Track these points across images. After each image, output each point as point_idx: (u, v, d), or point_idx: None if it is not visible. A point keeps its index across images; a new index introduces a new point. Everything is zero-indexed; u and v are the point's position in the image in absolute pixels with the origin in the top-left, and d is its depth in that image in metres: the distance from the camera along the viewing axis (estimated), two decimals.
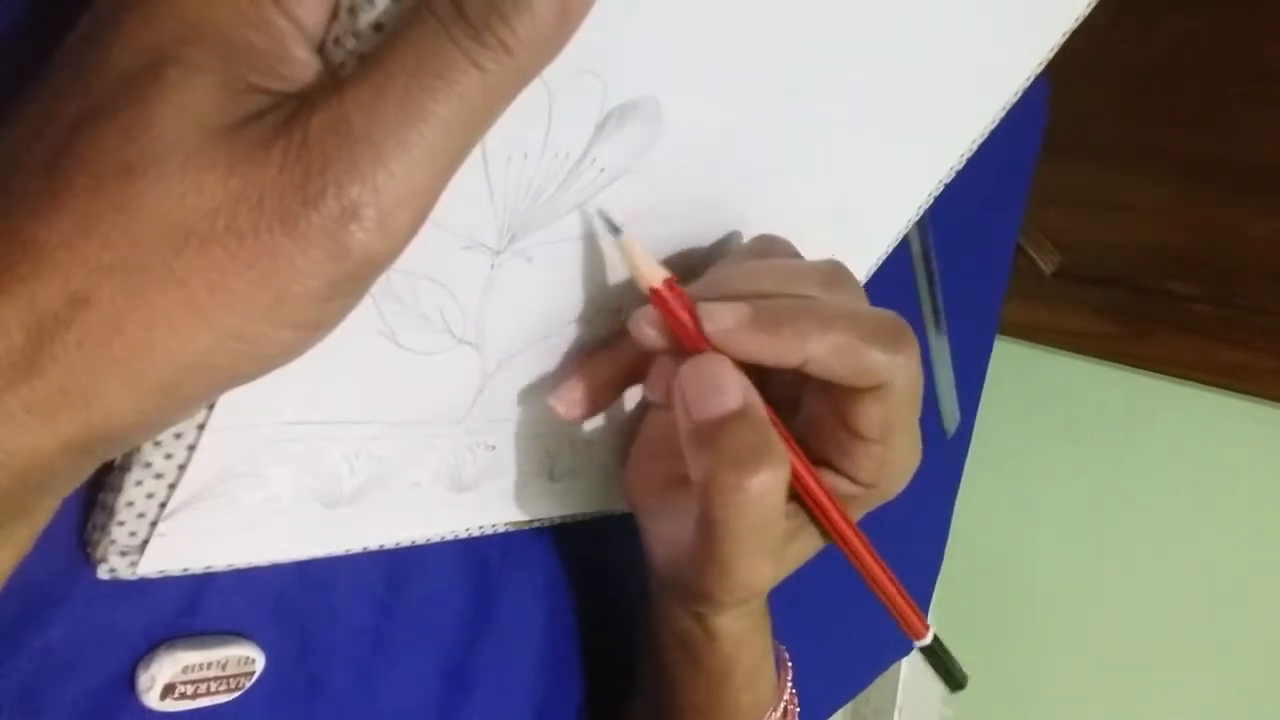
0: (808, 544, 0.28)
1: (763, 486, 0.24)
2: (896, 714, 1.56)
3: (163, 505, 0.22)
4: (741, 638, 0.31)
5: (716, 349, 0.25)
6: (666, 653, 0.33)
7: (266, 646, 0.27)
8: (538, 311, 0.26)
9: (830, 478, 0.28)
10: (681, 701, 0.33)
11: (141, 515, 0.22)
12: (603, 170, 0.23)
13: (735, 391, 0.25)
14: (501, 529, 0.33)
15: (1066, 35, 0.34)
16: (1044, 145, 0.69)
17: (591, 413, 0.28)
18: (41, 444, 0.16)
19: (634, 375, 0.28)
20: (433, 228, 0.18)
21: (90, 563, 0.23)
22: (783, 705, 0.35)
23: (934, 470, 0.69)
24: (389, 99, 0.16)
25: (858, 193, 0.34)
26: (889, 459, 0.28)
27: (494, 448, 0.29)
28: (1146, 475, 1.35)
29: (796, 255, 0.30)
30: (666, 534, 0.29)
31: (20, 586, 0.22)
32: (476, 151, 0.18)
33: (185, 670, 0.25)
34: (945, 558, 0.74)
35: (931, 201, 0.39)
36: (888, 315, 0.27)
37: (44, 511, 0.18)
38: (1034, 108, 0.67)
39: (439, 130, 0.16)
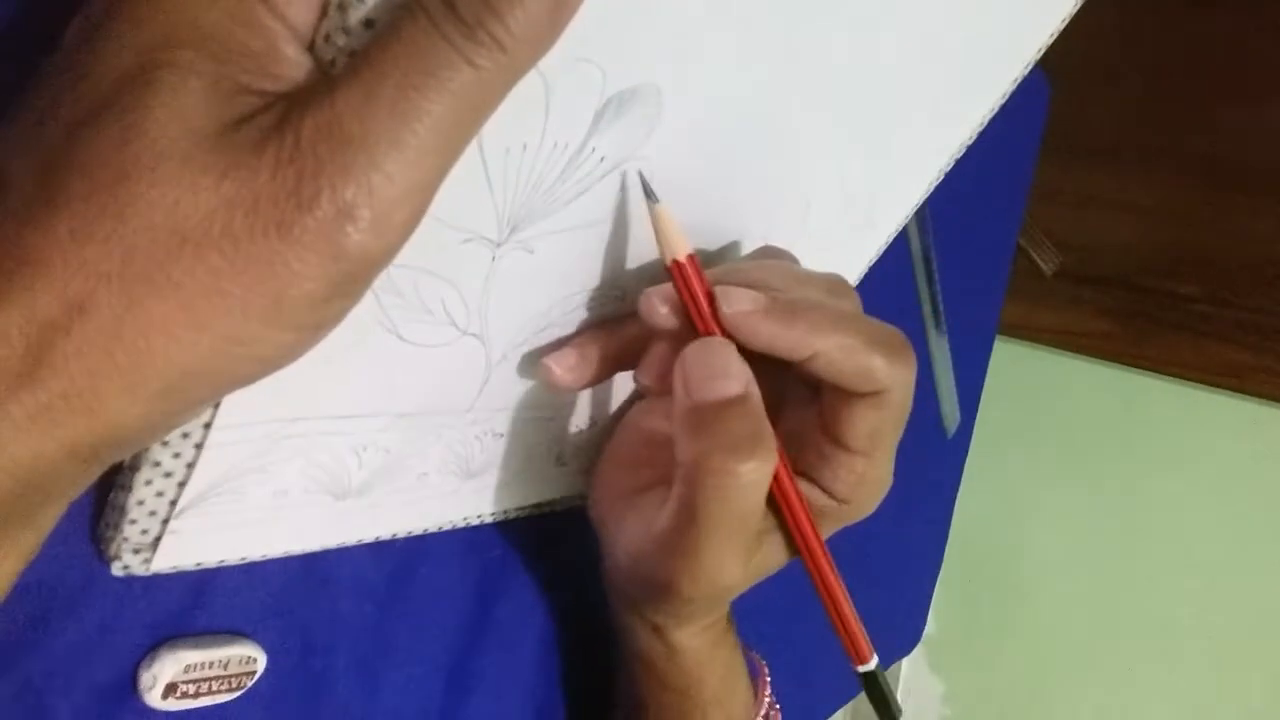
0: (774, 555, 0.28)
1: (752, 475, 0.24)
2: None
3: (173, 503, 0.22)
4: (702, 653, 0.31)
5: (728, 332, 0.25)
6: (630, 670, 0.33)
7: (268, 646, 0.27)
8: (540, 301, 0.26)
9: (805, 489, 0.28)
10: (649, 718, 0.33)
11: (153, 513, 0.22)
12: (603, 159, 0.23)
13: (739, 377, 0.25)
14: (512, 515, 0.33)
15: (1067, 19, 0.34)
16: (1044, 145, 0.69)
17: (582, 383, 0.28)
18: (45, 451, 0.16)
19: (630, 357, 0.28)
20: (432, 222, 0.18)
21: (103, 561, 0.23)
22: (761, 717, 0.35)
23: (934, 470, 0.69)
24: (381, 99, 0.16)
25: (862, 176, 0.34)
26: (869, 474, 0.28)
27: (501, 435, 0.29)
28: (1146, 475, 1.35)
29: (799, 263, 0.30)
30: (629, 540, 0.29)
31: (24, 587, 0.22)
32: (474, 144, 0.18)
33: (187, 669, 0.25)
34: (945, 558, 0.74)
35: (934, 188, 0.39)
36: (892, 327, 0.27)
37: (49, 517, 0.18)
38: (1034, 108, 0.67)
39: (432, 129, 0.16)
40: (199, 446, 0.21)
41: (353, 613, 0.30)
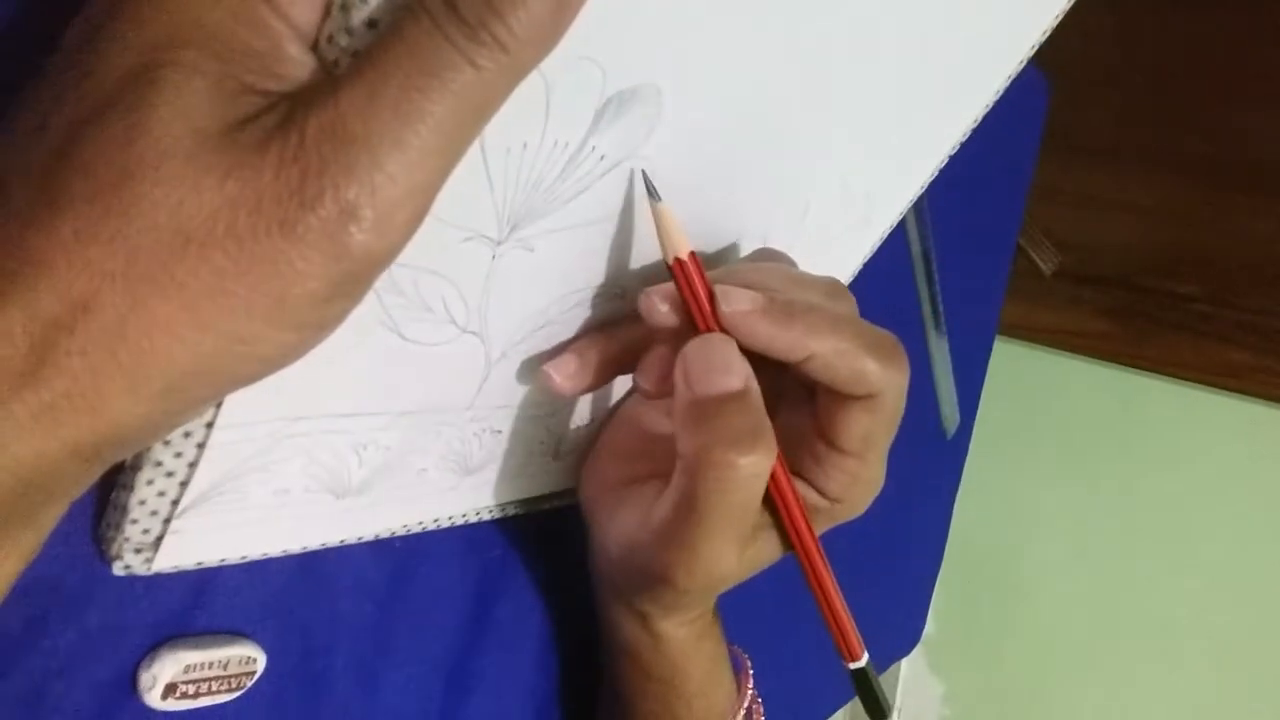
0: (768, 550, 0.28)
1: (753, 467, 0.25)
2: (896, 714, 1.56)
3: (175, 503, 0.22)
4: (687, 644, 0.31)
5: (727, 331, 0.26)
6: (615, 663, 0.33)
7: (268, 646, 0.27)
8: (540, 299, 0.26)
9: (799, 487, 0.28)
10: (634, 711, 0.33)
11: (154, 513, 0.22)
12: (603, 158, 0.23)
13: (739, 372, 0.25)
14: (511, 511, 0.33)
15: (1061, 15, 0.34)
16: (1044, 145, 0.69)
17: (582, 389, 0.28)
18: (48, 450, 0.16)
19: (629, 361, 0.28)
20: (433, 221, 0.18)
21: (104, 560, 0.23)
22: (743, 710, 0.35)
23: (934, 470, 0.69)
24: (384, 99, 0.16)
25: (860, 174, 0.34)
26: (861, 475, 0.28)
27: (500, 432, 0.29)
28: (1146, 475, 1.35)
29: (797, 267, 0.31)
30: (622, 530, 0.29)
31: (24, 587, 0.22)
32: (475, 144, 0.18)
33: (187, 670, 0.25)
34: (945, 558, 0.74)
35: (935, 188, 0.39)
36: (887, 332, 0.27)
37: (50, 517, 0.18)
38: (1034, 108, 0.67)
39: (435, 129, 0.16)
40: (201, 446, 0.21)
41: (353, 613, 0.30)
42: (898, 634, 0.71)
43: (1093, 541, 1.39)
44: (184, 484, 0.22)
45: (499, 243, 0.23)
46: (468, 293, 0.24)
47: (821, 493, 0.28)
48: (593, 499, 0.31)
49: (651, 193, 0.25)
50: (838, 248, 0.37)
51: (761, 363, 0.26)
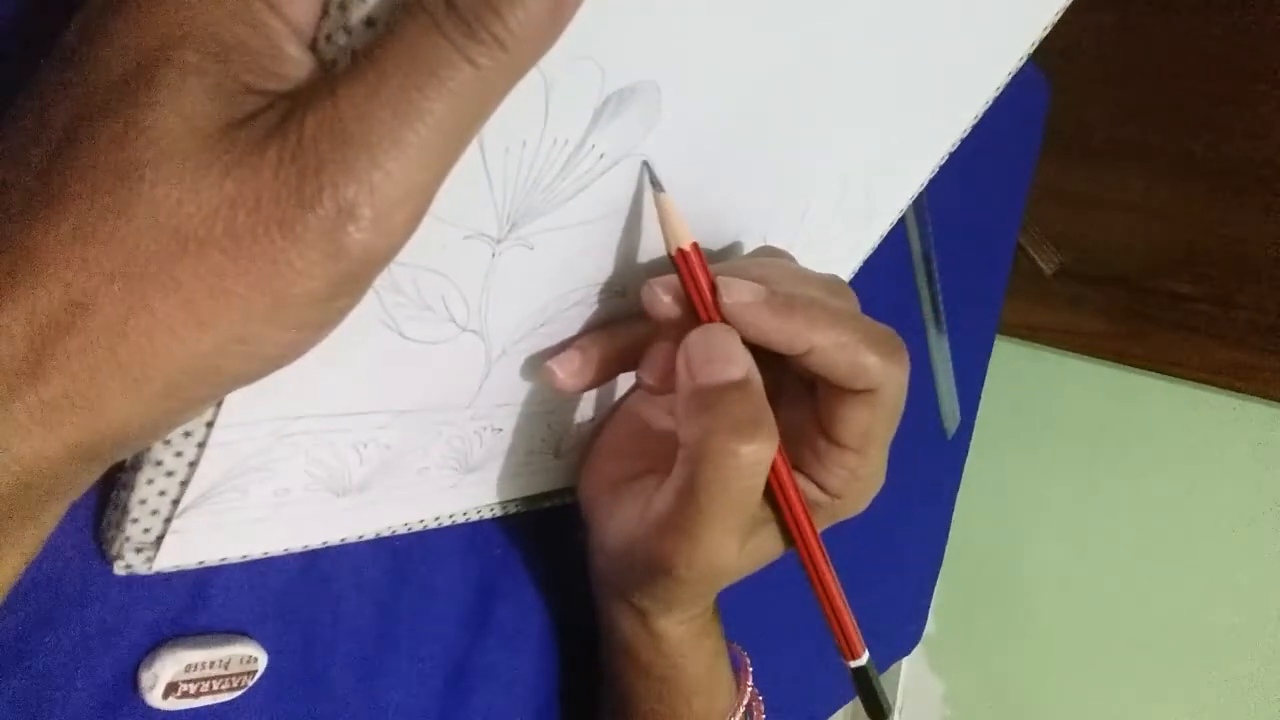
0: (769, 545, 0.28)
1: (754, 456, 0.25)
2: (896, 714, 1.56)
3: (175, 502, 0.22)
4: (685, 642, 0.31)
5: (729, 322, 0.26)
6: (615, 662, 0.33)
7: (268, 645, 0.27)
8: (540, 297, 0.26)
9: (800, 483, 0.28)
10: (634, 709, 0.33)
11: (155, 512, 0.22)
12: (602, 156, 0.23)
13: (741, 362, 0.25)
14: (511, 509, 0.33)
15: (1061, 11, 0.34)
16: (1044, 145, 0.69)
17: (585, 385, 0.28)
18: (48, 450, 0.16)
19: (631, 358, 0.29)
20: (432, 219, 0.18)
21: (105, 560, 0.23)
22: (743, 708, 0.35)
23: (934, 470, 0.69)
24: (382, 98, 0.16)
25: (860, 172, 0.34)
26: (861, 470, 0.28)
27: (500, 430, 0.29)
28: (1146, 475, 1.35)
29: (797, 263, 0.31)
30: (621, 525, 0.29)
31: (25, 586, 0.22)
32: (474, 142, 0.18)
33: (188, 669, 0.25)
34: (945, 558, 0.74)
35: (935, 188, 0.39)
36: (887, 327, 0.27)
37: (51, 517, 0.18)
38: (1034, 108, 0.67)
39: (433, 128, 0.16)
40: (202, 445, 0.21)
41: (353, 612, 0.30)
42: (898, 634, 0.71)
43: (1093, 541, 1.39)
44: (184, 483, 0.22)
45: (499, 241, 0.23)
46: (468, 291, 0.24)
47: (822, 488, 0.28)
48: (592, 497, 0.31)
49: (655, 184, 0.25)
50: (838, 246, 0.37)
51: (761, 358, 0.26)
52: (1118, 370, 1.35)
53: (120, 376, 0.16)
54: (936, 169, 0.38)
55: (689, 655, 0.32)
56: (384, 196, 0.16)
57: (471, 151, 0.20)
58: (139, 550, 0.23)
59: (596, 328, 0.29)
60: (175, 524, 0.23)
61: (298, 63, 0.17)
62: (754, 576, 0.29)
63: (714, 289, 0.26)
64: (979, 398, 0.71)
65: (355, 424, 0.25)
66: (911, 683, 1.55)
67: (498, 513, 0.33)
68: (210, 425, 0.21)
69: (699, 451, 0.25)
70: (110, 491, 0.23)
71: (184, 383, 0.17)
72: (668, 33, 0.22)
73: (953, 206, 0.56)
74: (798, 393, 0.29)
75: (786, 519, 0.28)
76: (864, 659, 0.29)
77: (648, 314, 0.27)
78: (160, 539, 0.23)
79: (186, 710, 0.26)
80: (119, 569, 0.23)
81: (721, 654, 0.34)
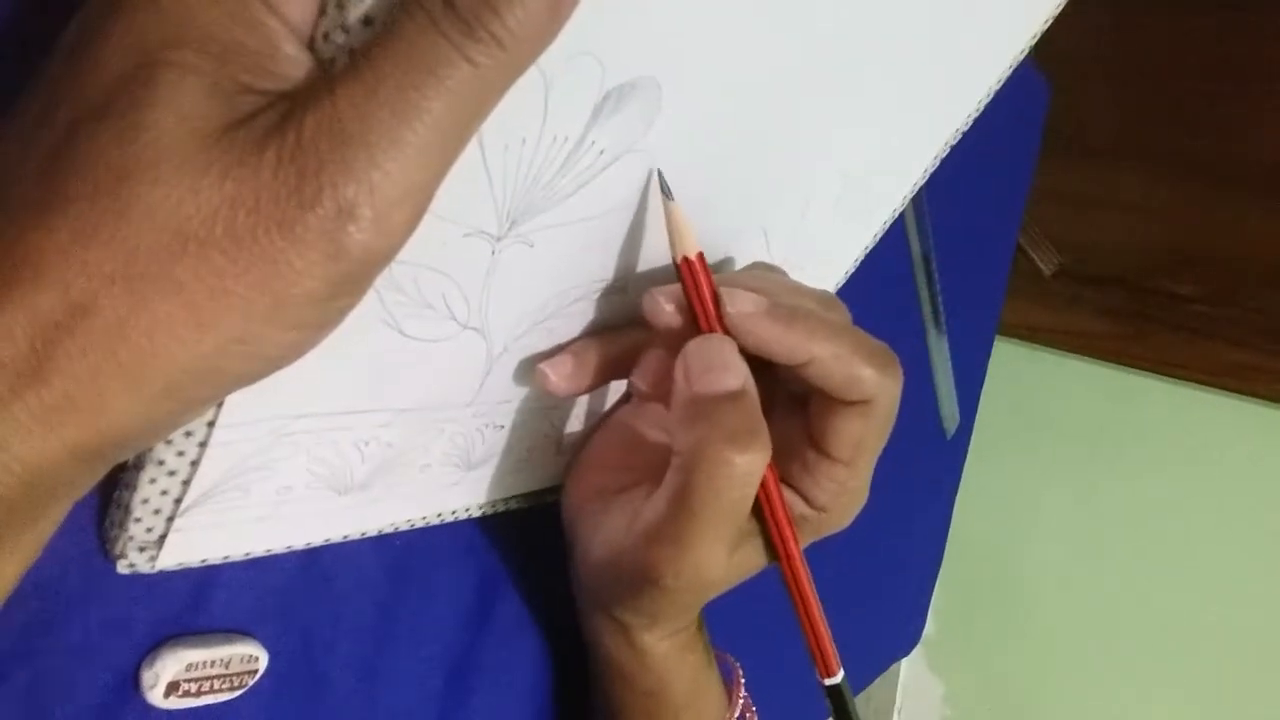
0: (752, 558, 0.29)
1: (748, 466, 0.25)
2: (896, 714, 1.56)
3: (178, 501, 0.22)
4: (670, 656, 0.31)
5: (730, 331, 0.26)
6: (601, 676, 0.33)
7: (269, 645, 0.27)
8: (541, 294, 0.26)
9: (786, 496, 0.29)
10: None
11: (158, 511, 0.22)
12: (602, 152, 0.23)
13: (739, 372, 0.26)
14: (513, 505, 0.33)
15: (1061, 4, 0.34)
16: (1044, 145, 0.69)
17: (578, 389, 0.29)
18: (49, 451, 0.16)
19: (626, 363, 0.29)
20: (432, 218, 0.18)
21: (108, 559, 0.23)
22: (735, 716, 0.35)
23: (934, 470, 0.69)
24: (381, 97, 0.16)
25: (860, 167, 0.34)
26: (850, 483, 0.28)
27: (502, 427, 0.29)
28: (1146, 475, 1.35)
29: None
30: (607, 537, 0.29)
31: (26, 586, 0.22)
32: (473, 140, 0.18)
33: (189, 668, 0.25)
34: (945, 558, 0.74)
35: (935, 189, 0.39)
36: (881, 342, 0.28)
37: (53, 518, 0.18)
38: (1033, 108, 0.67)
39: (432, 127, 0.16)
40: (203, 444, 0.21)
41: (354, 611, 0.30)
42: (898, 634, 0.71)
43: (1093, 541, 1.39)
44: (187, 482, 0.22)
45: (499, 239, 0.23)
46: (468, 289, 0.24)
47: (809, 501, 0.29)
48: (576, 509, 0.31)
49: (665, 191, 0.25)
50: (838, 240, 0.38)
51: (755, 371, 0.26)
52: (1117, 371, 1.35)
53: (121, 377, 0.16)
54: (936, 165, 0.38)
55: (674, 670, 0.32)
56: (383, 196, 0.16)
57: (471, 149, 0.20)
58: (142, 549, 0.23)
59: (592, 332, 0.29)
60: (178, 522, 0.23)
61: (296, 62, 0.17)
62: (750, 583, 0.29)
63: (717, 298, 0.26)
64: (978, 398, 0.71)
65: (357, 422, 0.25)
66: (911, 683, 1.55)
67: (500, 509, 0.33)
68: (212, 424, 0.21)
69: (693, 459, 0.25)
70: (112, 491, 0.23)
71: (185, 383, 0.17)
72: (667, 29, 0.22)
73: (953, 206, 0.56)
74: (789, 406, 0.29)
75: (771, 532, 0.28)
76: (839, 677, 0.29)
77: (648, 322, 0.27)
78: (163, 538, 0.23)
79: (187, 709, 0.26)
80: (122, 568, 0.23)
81: (708, 666, 0.34)
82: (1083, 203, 1.30)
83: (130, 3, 0.16)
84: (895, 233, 0.43)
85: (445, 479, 0.29)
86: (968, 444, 0.72)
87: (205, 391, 0.17)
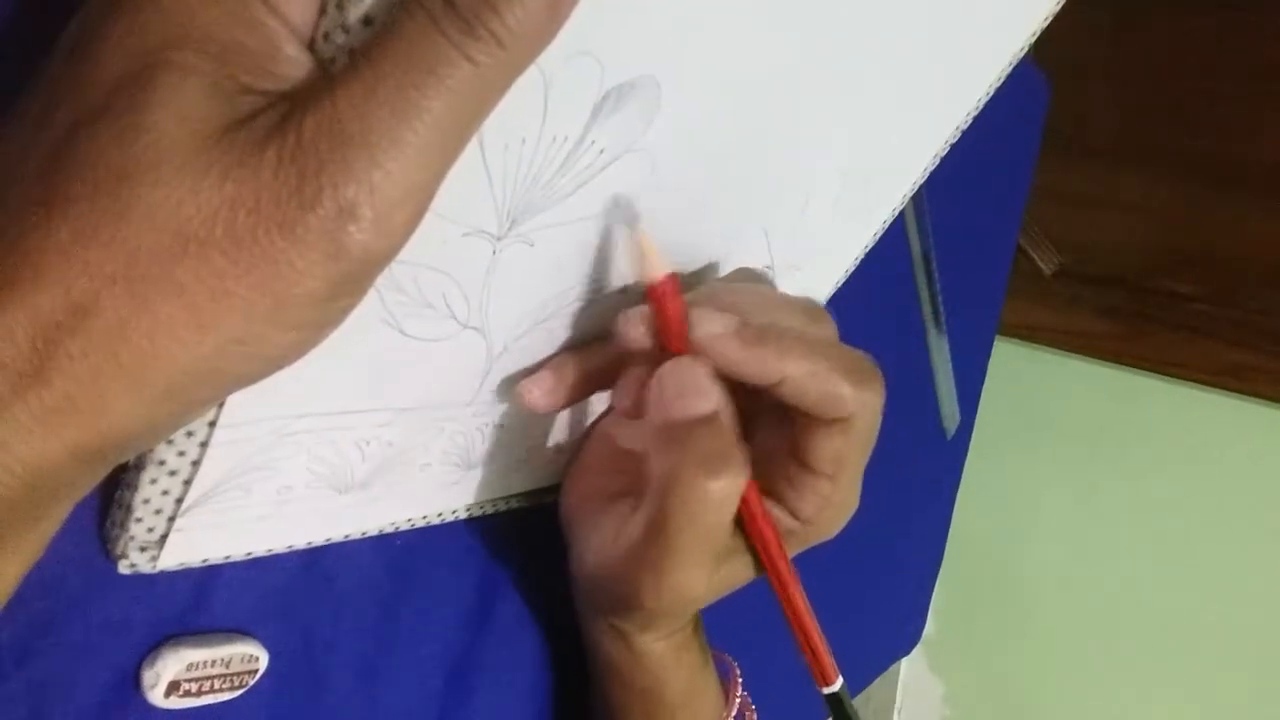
0: (738, 572, 0.29)
1: (722, 491, 0.25)
2: (896, 714, 1.56)
3: (179, 501, 0.22)
4: (666, 657, 0.31)
5: (701, 354, 0.26)
6: (599, 675, 0.33)
7: (270, 644, 0.27)
8: (541, 294, 0.26)
9: (772, 509, 0.28)
10: None
11: (159, 511, 0.22)
12: (602, 151, 0.23)
13: (711, 396, 0.26)
14: (515, 504, 0.33)
15: (1062, 2, 0.34)
16: (1044, 145, 0.69)
17: (559, 406, 0.29)
18: (51, 452, 0.16)
19: (606, 378, 0.29)
20: (432, 217, 0.18)
21: (109, 559, 0.23)
22: (733, 717, 0.35)
23: (934, 470, 0.69)
24: (381, 97, 0.16)
25: (860, 164, 0.34)
26: (834, 497, 0.28)
27: (502, 426, 0.29)
28: (1146, 475, 1.35)
29: (775, 287, 0.31)
30: (596, 546, 0.29)
31: (27, 586, 0.22)
32: (473, 140, 0.18)
33: (190, 668, 0.25)
34: (945, 558, 0.74)
35: (935, 189, 0.39)
36: (861, 354, 0.27)
37: (54, 519, 0.18)
38: (1034, 107, 0.67)
39: (433, 126, 0.16)
40: (204, 444, 0.21)
41: (355, 611, 0.30)
42: (898, 634, 0.71)
43: (1093, 541, 1.39)
44: (188, 482, 0.22)
45: (499, 238, 0.23)
46: (468, 288, 0.24)
47: (794, 514, 0.28)
48: (572, 510, 0.31)
49: (629, 217, 0.25)
50: (838, 239, 0.38)
51: (739, 384, 0.26)
52: (1117, 370, 1.35)
53: (122, 379, 0.16)
54: (936, 162, 0.38)
55: (671, 670, 0.32)
56: (384, 196, 0.16)
57: (471, 149, 0.20)
58: (143, 549, 0.23)
59: (592, 332, 0.29)
60: (179, 522, 0.23)
61: (296, 62, 0.17)
62: (750, 584, 0.29)
63: (686, 320, 0.26)
64: (979, 398, 0.71)
65: (357, 422, 0.25)
66: (911, 683, 1.55)
67: (500, 508, 0.33)
68: (213, 424, 0.21)
69: (667, 486, 0.25)
70: (113, 491, 0.23)
71: (186, 384, 0.17)
72: (666, 28, 0.22)
73: (953, 206, 0.56)
74: (773, 419, 0.29)
75: (758, 548, 0.28)
76: (837, 685, 0.29)
77: (622, 343, 0.27)
78: (164, 537, 0.23)
79: (188, 709, 0.26)
80: (123, 568, 0.23)
81: (705, 666, 0.34)
82: (1083, 203, 1.30)
83: (130, 3, 0.16)
84: (895, 232, 0.43)
85: (445, 478, 0.29)
86: (968, 444, 0.72)
87: (206, 392, 0.17)
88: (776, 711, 0.43)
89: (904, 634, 0.72)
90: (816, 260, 0.37)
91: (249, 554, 0.25)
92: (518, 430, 0.30)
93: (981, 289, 0.68)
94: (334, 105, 0.16)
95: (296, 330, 0.17)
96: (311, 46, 0.17)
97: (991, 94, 0.36)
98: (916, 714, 1.54)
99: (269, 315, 0.16)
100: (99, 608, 0.24)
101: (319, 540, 0.27)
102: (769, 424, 0.29)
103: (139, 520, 0.22)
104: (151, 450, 0.21)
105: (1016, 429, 1.40)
